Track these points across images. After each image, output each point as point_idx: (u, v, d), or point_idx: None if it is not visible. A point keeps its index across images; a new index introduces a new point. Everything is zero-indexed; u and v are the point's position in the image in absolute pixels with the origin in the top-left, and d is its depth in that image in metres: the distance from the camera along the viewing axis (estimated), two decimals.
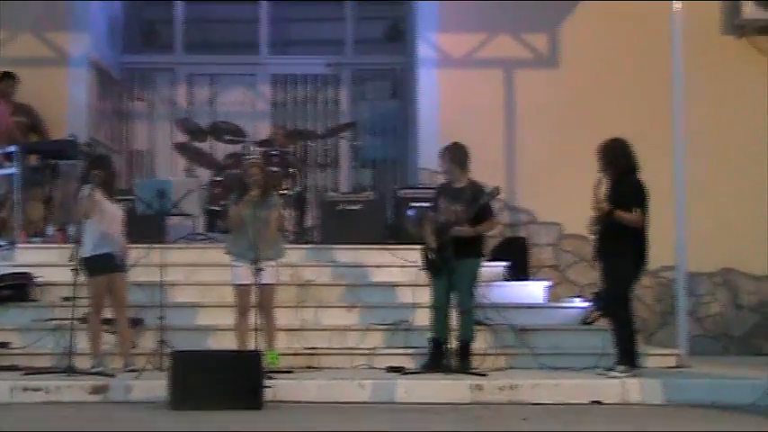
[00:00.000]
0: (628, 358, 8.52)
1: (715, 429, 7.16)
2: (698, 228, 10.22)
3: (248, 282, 8.71)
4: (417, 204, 10.41)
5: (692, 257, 9.99)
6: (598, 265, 8.87)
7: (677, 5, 9.72)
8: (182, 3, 13.48)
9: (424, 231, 9.05)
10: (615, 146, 8.69)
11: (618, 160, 8.61)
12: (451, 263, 8.74)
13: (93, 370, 8.53)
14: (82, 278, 8.65)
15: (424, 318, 9.31)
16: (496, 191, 9.01)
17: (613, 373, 8.42)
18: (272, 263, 8.87)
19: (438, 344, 8.79)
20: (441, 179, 9.60)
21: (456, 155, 9.01)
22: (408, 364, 9.03)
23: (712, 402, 8.01)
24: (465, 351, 8.87)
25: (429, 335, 8.91)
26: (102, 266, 8.73)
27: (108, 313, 8.96)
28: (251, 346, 8.47)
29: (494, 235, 10.87)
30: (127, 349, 8.88)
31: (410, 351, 9.25)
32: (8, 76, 11.45)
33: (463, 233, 8.75)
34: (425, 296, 9.31)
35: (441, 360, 8.71)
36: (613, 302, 8.69)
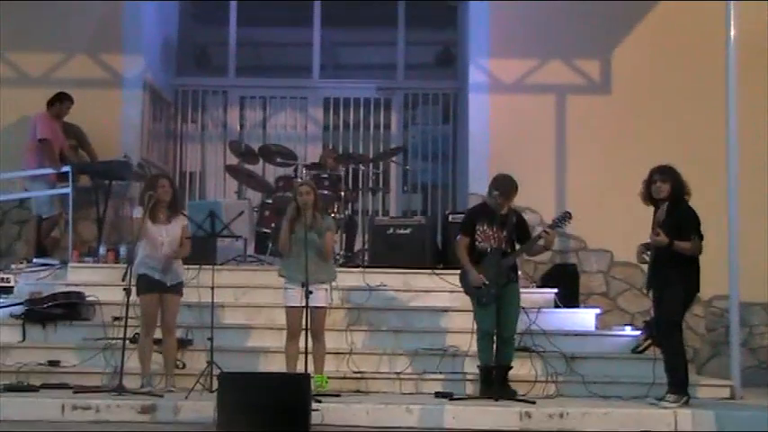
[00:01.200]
0: (680, 388, 8.41)
1: None
2: (752, 256, 10.10)
3: (300, 304, 8.70)
4: None
5: (746, 287, 9.84)
6: (651, 294, 8.78)
7: (733, 32, 9.60)
8: (235, 26, 13.58)
9: (462, 257, 9.00)
10: (671, 170, 8.60)
11: (677, 184, 8.53)
12: (505, 289, 8.74)
13: (142, 390, 8.58)
14: (133, 298, 8.73)
15: (472, 343, 9.26)
16: (568, 215, 9.00)
17: (664, 403, 8.32)
18: (325, 286, 8.87)
19: (490, 371, 8.73)
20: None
21: (507, 187, 8.94)
22: (456, 389, 8.98)
23: None
24: (505, 376, 8.83)
25: (479, 362, 8.85)
26: (144, 287, 8.79)
27: (158, 333, 9.02)
28: (300, 368, 8.46)
29: (543, 261, 10.85)
30: (170, 370, 8.91)
31: (458, 377, 9.20)
32: (68, 98, 11.54)
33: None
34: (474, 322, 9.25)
35: (493, 386, 8.65)
36: (665, 331, 8.59)
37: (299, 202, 8.88)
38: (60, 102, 11.49)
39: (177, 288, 8.95)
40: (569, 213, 9.03)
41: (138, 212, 8.96)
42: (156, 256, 8.83)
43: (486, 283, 8.77)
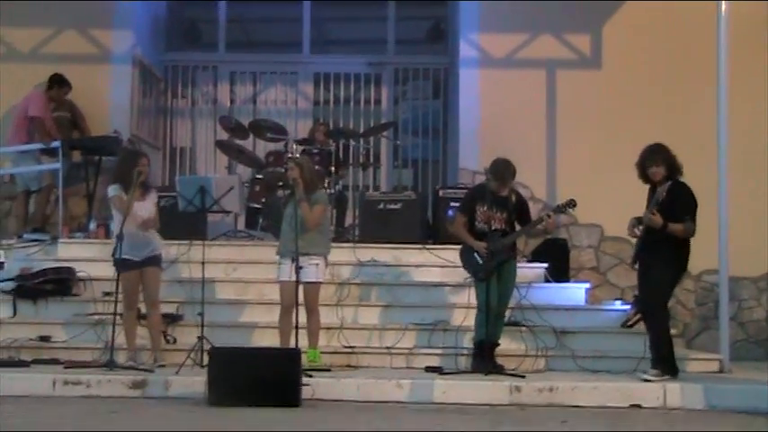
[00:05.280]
0: (662, 364, 8.45)
1: None
2: (741, 232, 10.12)
3: (290, 278, 8.72)
4: (457, 204, 10.38)
5: (736, 262, 9.88)
6: (638, 269, 8.79)
7: (724, 6, 9.58)
8: (224, 2, 13.52)
9: (461, 234, 9.00)
10: (664, 149, 8.58)
11: (670, 164, 8.53)
12: (504, 266, 8.79)
13: (127, 364, 8.60)
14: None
15: (462, 318, 9.30)
16: (573, 203, 9.00)
17: (646, 377, 8.37)
18: (317, 260, 8.87)
19: (484, 346, 8.76)
20: (481, 179, 9.57)
21: (502, 173, 8.91)
22: (446, 364, 9.01)
23: (754, 409, 7.92)
24: (492, 352, 8.87)
25: (475, 338, 8.87)
26: (121, 266, 8.75)
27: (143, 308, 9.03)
28: (293, 343, 8.48)
29: (534, 236, 10.87)
30: (157, 344, 8.92)
31: (448, 351, 9.22)
32: (67, 84, 11.50)
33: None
34: (464, 297, 9.29)
35: (486, 361, 8.69)
36: (651, 309, 8.63)
37: (289, 179, 8.89)
38: (59, 86, 11.48)
39: (154, 260, 8.92)
40: (574, 201, 9.00)
41: (114, 190, 8.89)
42: (132, 233, 8.80)
43: (487, 252, 8.76)
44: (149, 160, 9.18)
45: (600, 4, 11.89)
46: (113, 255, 8.75)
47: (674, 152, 8.60)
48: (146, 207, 8.91)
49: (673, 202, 8.43)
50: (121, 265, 8.71)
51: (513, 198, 8.99)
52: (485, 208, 8.92)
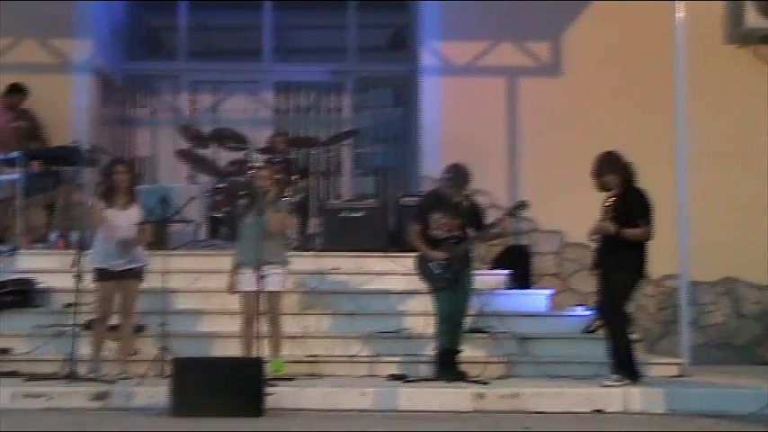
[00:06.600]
0: (622, 368, 8.50)
1: None
2: (701, 236, 10.18)
3: (253, 288, 8.69)
4: None
5: (695, 266, 9.95)
6: (596, 275, 8.84)
7: (681, 14, 9.69)
8: (185, 10, 13.48)
9: (417, 244, 9.00)
10: (617, 158, 8.64)
11: (624, 171, 8.57)
12: (460, 274, 8.79)
13: (89, 376, 8.52)
14: (83, 284, 8.65)
15: (425, 326, 9.30)
16: (523, 204, 9.01)
17: (606, 382, 8.41)
18: (279, 269, 8.85)
19: (447, 354, 8.77)
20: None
21: (459, 177, 8.94)
22: (410, 371, 9.02)
23: (714, 412, 7.99)
24: (455, 358, 8.87)
25: (438, 346, 8.85)
26: (100, 277, 8.72)
27: (115, 320, 8.95)
28: (256, 353, 8.45)
29: (496, 243, 10.91)
30: (125, 357, 8.85)
31: (412, 359, 9.23)
32: (21, 91, 11.44)
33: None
34: (426, 304, 9.30)
35: (451, 369, 8.70)
36: (608, 315, 8.68)
37: (256, 186, 8.85)
38: (14, 94, 11.43)
39: (136, 273, 8.84)
40: (524, 202, 9.04)
41: (93, 202, 8.89)
42: (111, 241, 8.74)
43: (445, 260, 8.78)
44: (128, 167, 9.10)
45: (560, 11, 11.96)
46: (73, 265, 8.68)
47: (629, 159, 8.66)
48: (128, 216, 8.83)
49: (627, 206, 8.48)
50: (98, 274, 8.65)
51: (465, 204, 9.00)
52: (437, 215, 8.93)
